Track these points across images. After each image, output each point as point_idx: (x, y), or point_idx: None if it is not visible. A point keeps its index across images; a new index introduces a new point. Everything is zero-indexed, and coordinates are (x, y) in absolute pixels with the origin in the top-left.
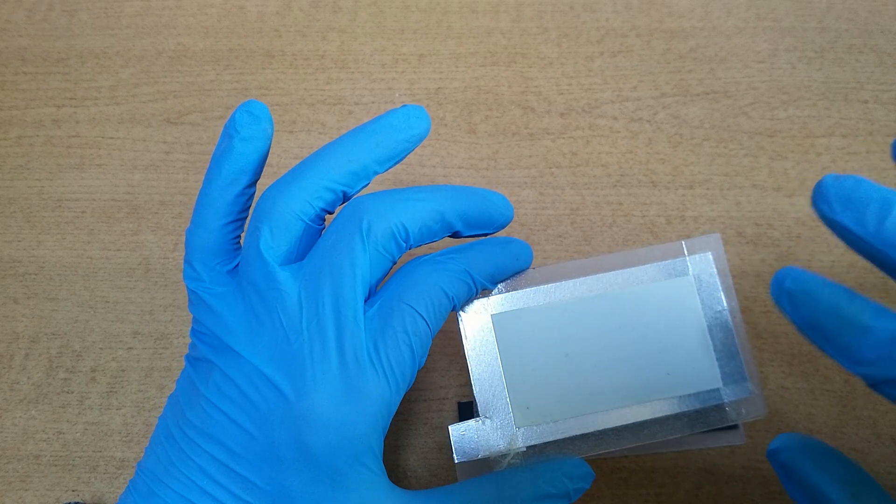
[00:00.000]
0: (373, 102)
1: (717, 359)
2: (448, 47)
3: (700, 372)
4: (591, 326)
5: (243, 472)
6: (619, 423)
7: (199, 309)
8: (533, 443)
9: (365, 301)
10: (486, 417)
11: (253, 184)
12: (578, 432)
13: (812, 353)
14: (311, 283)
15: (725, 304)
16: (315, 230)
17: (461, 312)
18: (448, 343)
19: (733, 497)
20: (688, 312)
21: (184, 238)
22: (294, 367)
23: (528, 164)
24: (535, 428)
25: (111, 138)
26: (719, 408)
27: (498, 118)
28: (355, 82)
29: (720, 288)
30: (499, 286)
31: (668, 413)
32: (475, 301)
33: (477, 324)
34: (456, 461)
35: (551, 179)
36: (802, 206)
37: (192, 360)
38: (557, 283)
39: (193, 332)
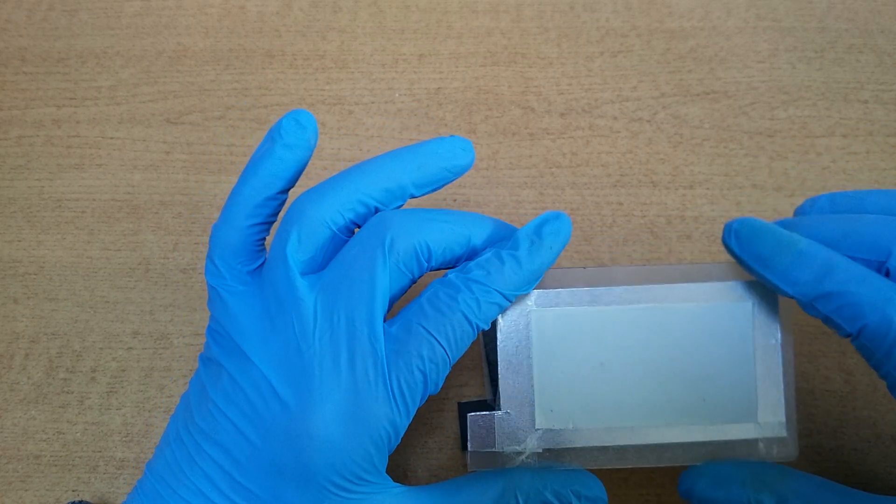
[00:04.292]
0: (373, 102)
1: (759, 393)
2: (448, 47)
3: (738, 403)
4: (633, 338)
5: (246, 482)
6: (643, 442)
7: (217, 306)
8: (551, 447)
9: (385, 318)
10: (507, 412)
11: (286, 191)
12: (599, 444)
13: (812, 352)
14: (328, 294)
15: (780, 337)
16: (342, 240)
17: None
18: None
19: None
20: (737, 340)
21: (183, 239)
22: (301, 378)
23: (528, 164)
24: (555, 431)
25: (111, 138)
26: (751, 443)
27: (498, 118)
28: (355, 82)
29: (778, 320)
30: (545, 279)
31: (696, 440)
32: None
33: (514, 314)
34: (469, 449)
35: (551, 179)
36: None
37: (204, 360)
38: (606, 288)
39: (209, 330)
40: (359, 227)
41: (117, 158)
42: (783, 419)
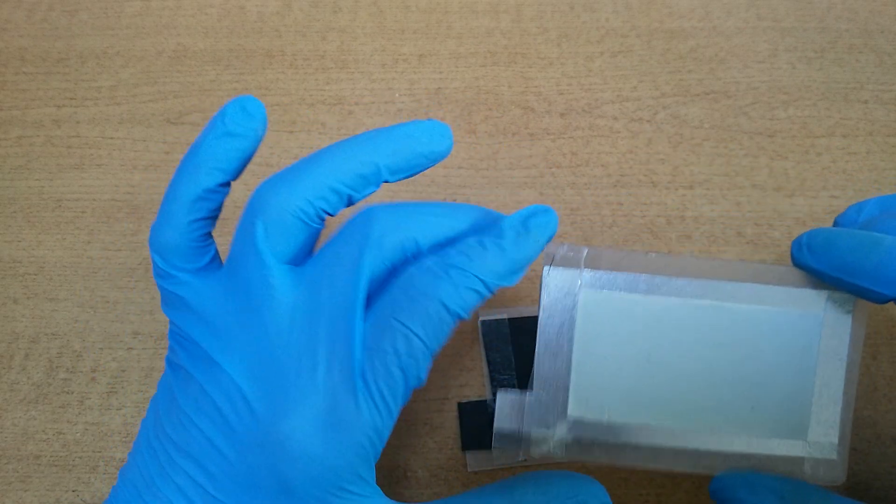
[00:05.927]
0: (373, 102)
1: (813, 410)
2: (448, 47)
3: (789, 418)
4: (687, 335)
5: (222, 496)
6: (680, 446)
7: (175, 308)
8: (581, 437)
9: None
10: (539, 393)
11: (228, 183)
12: (633, 441)
13: None
14: (308, 291)
15: (847, 355)
16: (314, 231)
17: (549, 269)
18: (449, 343)
19: None
20: (800, 351)
21: None
22: (275, 384)
23: (528, 164)
24: (587, 422)
25: (111, 138)
26: (796, 461)
27: (498, 118)
28: (355, 82)
29: (849, 336)
30: (603, 260)
31: (738, 450)
32: (568, 269)
33: (561, 291)
34: (495, 427)
35: (551, 179)
36: (802, 206)
37: (172, 364)
38: (666, 278)
39: (171, 333)
40: (330, 215)
41: (117, 158)
42: (835, 440)
